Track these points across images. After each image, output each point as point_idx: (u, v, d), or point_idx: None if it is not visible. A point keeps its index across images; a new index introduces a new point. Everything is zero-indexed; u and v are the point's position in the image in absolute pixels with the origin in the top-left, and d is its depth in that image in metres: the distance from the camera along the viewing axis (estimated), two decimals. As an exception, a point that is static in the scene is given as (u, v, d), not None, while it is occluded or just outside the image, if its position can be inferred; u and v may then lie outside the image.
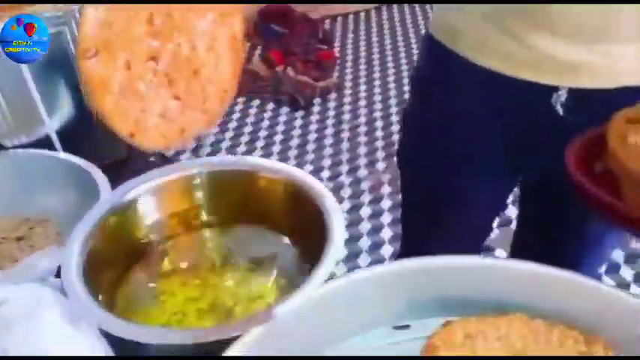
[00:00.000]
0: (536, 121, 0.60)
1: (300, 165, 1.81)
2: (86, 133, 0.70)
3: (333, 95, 2.21)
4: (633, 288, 1.31)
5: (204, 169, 0.58)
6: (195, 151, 1.86)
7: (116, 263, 0.55)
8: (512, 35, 0.56)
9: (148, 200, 0.57)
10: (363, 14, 2.83)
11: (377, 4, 2.88)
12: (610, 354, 0.37)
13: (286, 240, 0.57)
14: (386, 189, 1.66)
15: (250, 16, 2.39)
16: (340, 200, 1.63)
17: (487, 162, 0.66)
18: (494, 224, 0.83)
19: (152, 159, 0.75)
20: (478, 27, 0.58)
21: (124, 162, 0.78)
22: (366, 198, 1.66)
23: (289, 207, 0.56)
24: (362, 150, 1.87)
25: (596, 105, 0.53)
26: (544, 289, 0.43)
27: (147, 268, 0.56)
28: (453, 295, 0.45)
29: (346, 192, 1.69)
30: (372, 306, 0.48)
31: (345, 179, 1.75)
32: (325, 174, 1.78)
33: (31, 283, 0.45)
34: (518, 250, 0.81)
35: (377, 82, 2.27)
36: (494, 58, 0.58)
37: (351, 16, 2.82)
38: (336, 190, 1.66)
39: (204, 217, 0.60)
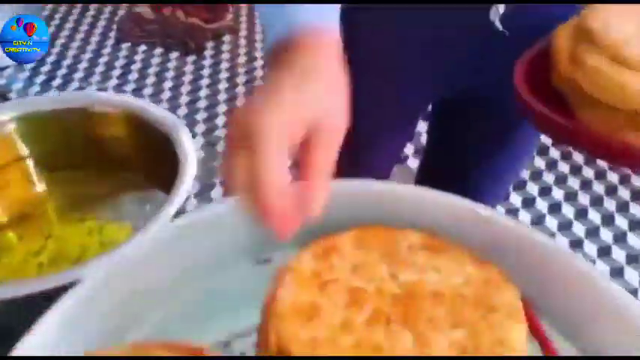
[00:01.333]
0: (474, 39, 0.57)
1: (192, 113, 1.72)
2: None
3: (227, 38, 2.10)
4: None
5: (19, 112, 0.52)
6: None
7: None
8: None
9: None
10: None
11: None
12: (505, 280, 0.36)
13: (135, 177, 0.53)
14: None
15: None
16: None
17: (413, 81, 0.64)
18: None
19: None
20: None
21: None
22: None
23: (134, 142, 0.52)
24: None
25: (534, 17, 0.53)
26: (439, 215, 0.42)
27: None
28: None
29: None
30: (231, 241, 0.45)
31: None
32: (220, 121, 1.71)
33: None
34: (423, 178, 0.82)
35: (273, 23, 2.18)
36: None
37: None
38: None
39: (32, 165, 0.54)
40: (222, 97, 1.81)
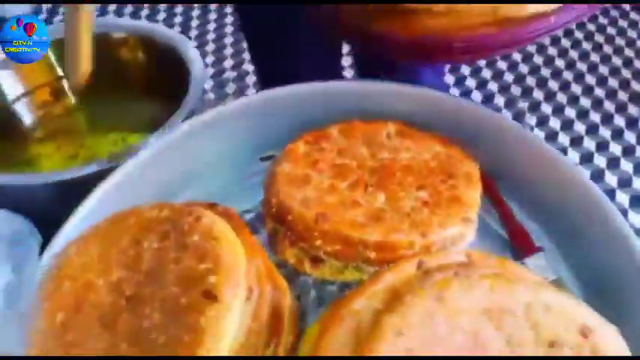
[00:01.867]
0: None
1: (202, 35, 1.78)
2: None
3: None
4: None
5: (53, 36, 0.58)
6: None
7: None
8: None
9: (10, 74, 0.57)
10: None
11: None
12: (467, 156, 0.42)
13: (150, 93, 0.60)
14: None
15: None
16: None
17: None
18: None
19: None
20: None
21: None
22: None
23: (150, 63, 0.59)
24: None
25: None
26: (413, 106, 0.47)
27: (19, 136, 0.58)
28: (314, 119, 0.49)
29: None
30: (237, 139, 0.52)
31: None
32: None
33: None
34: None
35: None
36: None
37: None
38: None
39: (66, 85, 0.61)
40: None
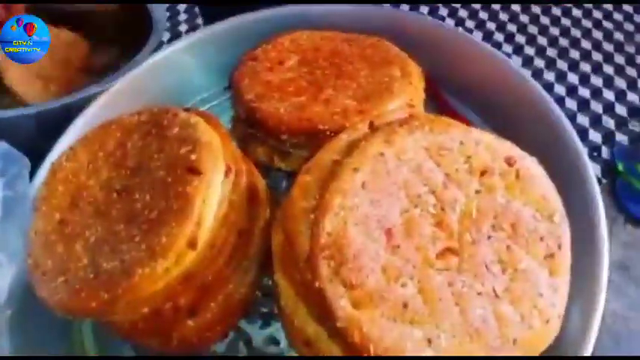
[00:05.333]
0: None
1: None
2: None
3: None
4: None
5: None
6: None
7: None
8: None
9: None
10: None
11: None
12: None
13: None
14: None
15: None
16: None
17: None
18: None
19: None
20: None
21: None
22: None
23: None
24: None
25: None
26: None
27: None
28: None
29: None
30: (204, 69, 0.56)
31: None
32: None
33: None
34: None
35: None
36: None
37: None
38: None
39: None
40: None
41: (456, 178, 0.35)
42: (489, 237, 0.33)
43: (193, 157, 0.38)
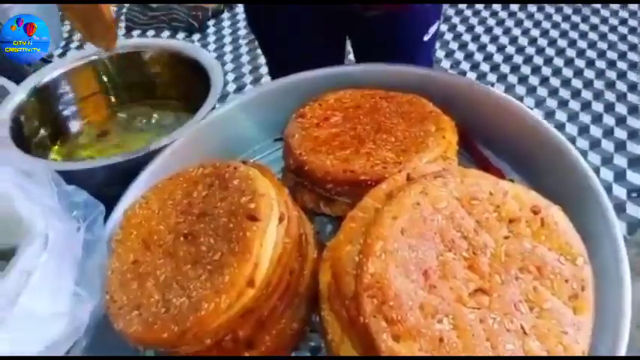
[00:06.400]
0: None
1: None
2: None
3: (226, 15, 2.27)
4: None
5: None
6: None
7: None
8: None
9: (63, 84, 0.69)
10: None
11: None
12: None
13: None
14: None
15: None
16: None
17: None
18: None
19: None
20: None
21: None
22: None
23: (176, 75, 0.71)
24: (262, 60, 1.98)
25: None
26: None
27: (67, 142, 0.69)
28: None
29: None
30: (256, 124, 0.62)
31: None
32: (231, 87, 1.88)
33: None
34: None
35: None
36: None
37: None
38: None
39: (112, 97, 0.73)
40: (228, 67, 1.99)
41: (486, 225, 0.39)
42: (517, 278, 0.37)
43: (252, 205, 0.43)
